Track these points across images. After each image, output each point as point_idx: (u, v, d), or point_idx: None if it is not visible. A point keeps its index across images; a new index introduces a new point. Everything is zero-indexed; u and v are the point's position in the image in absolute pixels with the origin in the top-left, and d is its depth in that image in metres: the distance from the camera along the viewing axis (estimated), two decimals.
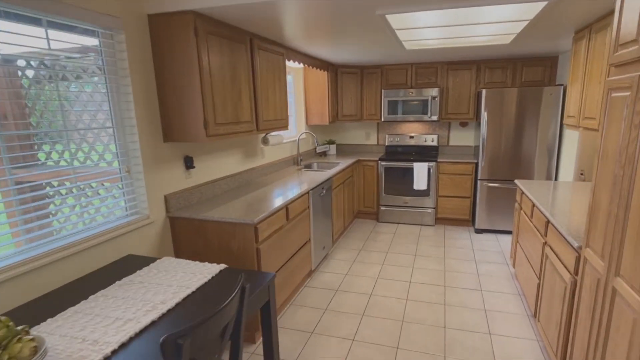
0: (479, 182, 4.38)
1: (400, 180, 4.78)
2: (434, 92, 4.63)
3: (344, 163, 4.43)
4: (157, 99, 2.31)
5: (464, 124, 5.01)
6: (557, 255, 2.11)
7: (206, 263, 1.88)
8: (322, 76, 4.57)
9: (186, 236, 2.44)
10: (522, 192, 3.06)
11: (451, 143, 5.13)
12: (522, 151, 4.17)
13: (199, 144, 2.69)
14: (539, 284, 2.43)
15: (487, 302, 2.93)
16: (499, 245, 4.11)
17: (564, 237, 1.97)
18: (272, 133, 3.63)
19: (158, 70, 2.27)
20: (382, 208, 4.94)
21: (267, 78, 2.99)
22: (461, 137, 5.08)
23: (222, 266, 1.84)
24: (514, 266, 3.27)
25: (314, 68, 4.24)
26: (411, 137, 5.17)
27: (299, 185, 3.17)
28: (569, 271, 1.90)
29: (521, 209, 3.10)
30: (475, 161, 4.46)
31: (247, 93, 2.70)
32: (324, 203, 3.57)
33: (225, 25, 2.44)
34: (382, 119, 4.92)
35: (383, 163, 4.80)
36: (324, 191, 3.54)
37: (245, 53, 2.66)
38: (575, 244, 1.79)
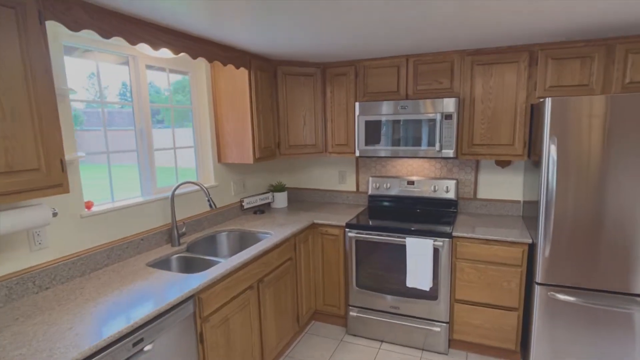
0: (537, 286, 2.15)
1: (385, 266, 2.62)
2: (449, 105, 2.50)
3: (276, 236, 2.35)
4: None
5: (504, 163, 2.80)
6: None
7: None
8: (240, 78, 2.57)
9: None
10: None
11: (480, 195, 2.92)
12: (630, 224, 1.92)
13: None
14: None
15: None
16: None
17: None
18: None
19: None
20: (353, 313, 2.77)
21: None
22: (499, 186, 2.86)
23: None
24: None
25: (206, 60, 2.25)
26: (410, 182, 3.01)
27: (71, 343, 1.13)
28: None
29: None
30: (529, 241, 2.24)
31: None
32: None
33: None
34: (358, 153, 2.82)
35: (352, 233, 2.67)
36: (150, 345, 1.47)
37: None
38: None
